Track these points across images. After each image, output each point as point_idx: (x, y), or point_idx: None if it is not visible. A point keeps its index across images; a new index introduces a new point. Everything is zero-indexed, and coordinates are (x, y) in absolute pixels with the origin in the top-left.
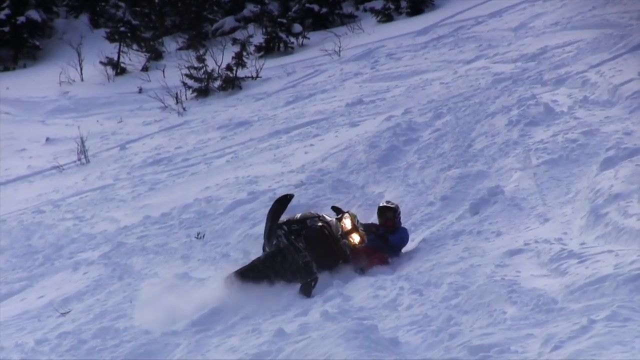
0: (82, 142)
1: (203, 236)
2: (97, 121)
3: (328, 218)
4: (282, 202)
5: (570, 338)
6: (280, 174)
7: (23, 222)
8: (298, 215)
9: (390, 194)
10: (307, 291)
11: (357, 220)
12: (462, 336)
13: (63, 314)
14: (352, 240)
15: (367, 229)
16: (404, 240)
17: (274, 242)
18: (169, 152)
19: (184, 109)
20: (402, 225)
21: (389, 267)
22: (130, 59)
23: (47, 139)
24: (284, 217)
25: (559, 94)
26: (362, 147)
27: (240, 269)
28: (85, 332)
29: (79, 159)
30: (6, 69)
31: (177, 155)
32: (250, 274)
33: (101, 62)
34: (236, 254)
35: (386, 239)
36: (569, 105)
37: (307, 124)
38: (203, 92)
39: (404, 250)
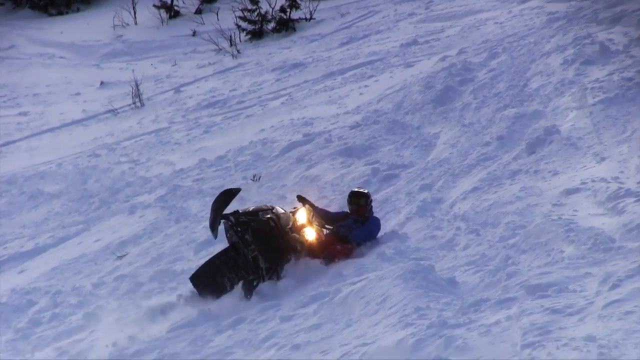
0: (137, 86)
1: (259, 178)
2: (152, 64)
3: (280, 211)
4: (228, 194)
5: (629, 277)
6: (335, 116)
7: (79, 166)
8: (251, 208)
9: (446, 135)
10: (248, 290)
11: (312, 215)
12: (519, 275)
13: (120, 257)
14: (305, 236)
15: (336, 218)
16: (371, 234)
17: (227, 234)
18: (223, 94)
19: (238, 51)
20: (374, 215)
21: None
22: (183, 2)
23: (102, 83)
24: (237, 208)
25: (614, 32)
26: (417, 87)
27: (197, 270)
28: (142, 275)
29: (134, 103)
30: (60, 14)
31: (232, 98)
32: (207, 271)
33: (155, 6)
34: (292, 195)
35: (347, 240)
36: (625, 44)
37: (361, 65)
38: (257, 35)
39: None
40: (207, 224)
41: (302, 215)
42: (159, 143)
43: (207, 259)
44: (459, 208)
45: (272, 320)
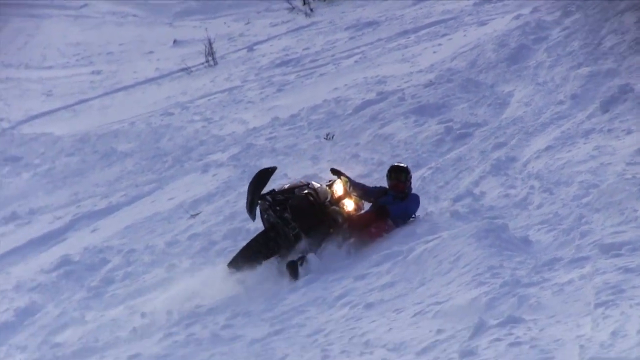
0: (210, 44)
1: (332, 137)
2: (225, 23)
3: (317, 185)
4: (263, 174)
5: None
6: (408, 74)
7: (152, 125)
8: (286, 185)
9: (519, 93)
10: (293, 271)
11: (350, 186)
12: (593, 234)
13: (193, 216)
14: (344, 207)
15: (374, 193)
16: (410, 209)
17: (264, 216)
18: (296, 53)
19: (311, 10)
20: (413, 192)
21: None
22: None
23: (175, 41)
24: (272, 187)
25: None
26: (491, 46)
27: (236, 254)
28: (215, 233)
29: (207, 61)
30: None
31: (305, 57)
32: (246, 254)
33: None
34: (366, 154)
35: (386, 212)
36: None
37: (435, 23)
38: None
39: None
40: (244, 206)
41: (339, 187)
42: (232, 101)
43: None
44: (533, 167)
45: (345, 278)
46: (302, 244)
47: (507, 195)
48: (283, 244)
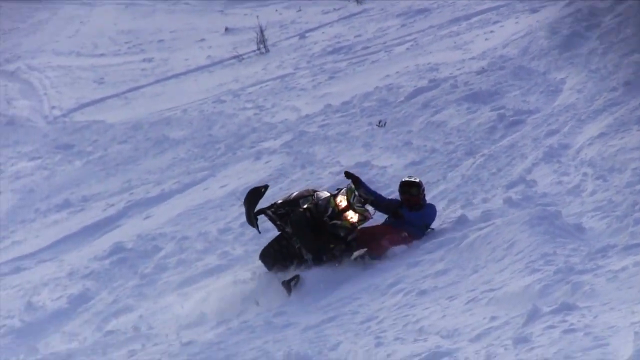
0: (261, 32)
1: (385, 124)
2: (276, 10)
3: (322, 195)
4: (255, 193)
5: None
6: (461, 61)
7: (204, 112)
8: (293, 195)
9: (572, 80)
10: (287, 288)
11: (354, 196)
12: None
13: None
14: (349, 219)
15: (388, 203)
16: (426, 217)
17: (275, 224)
18: (348, 40)
19: None
20: (428, 202)
21: (410, 245)
22: None
23: (226, 29)
24: (279, 199)
25: None
26: (543, 33)
27: (261, 251)
28: (268, 221)
29: (259, 49)
30: None
31: (357, 44)
32: (269, 252)
33: None
34: (418, 141)
35: (400, 215)
36: None
37: (486, 10)
38: None
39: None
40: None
41: (342, 199)
42: (284, 89)
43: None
44: (586, 154)
45: (398, 266)
46: (305, 256)
47: (560, 183)
48: (292, 253)
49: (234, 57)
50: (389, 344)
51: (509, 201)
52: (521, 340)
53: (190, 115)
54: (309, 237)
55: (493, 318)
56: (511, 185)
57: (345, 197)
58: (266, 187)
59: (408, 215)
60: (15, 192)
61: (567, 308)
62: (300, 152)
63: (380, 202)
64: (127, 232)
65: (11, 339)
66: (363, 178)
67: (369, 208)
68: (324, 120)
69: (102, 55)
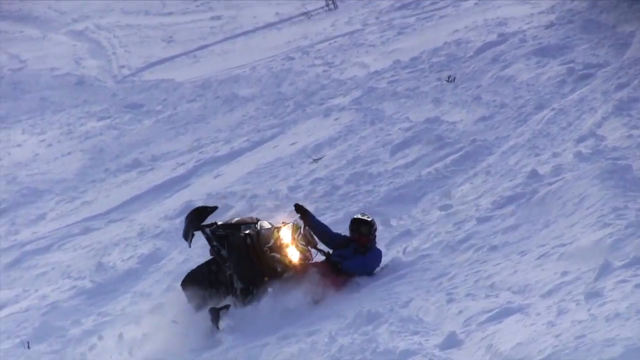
0: None
1: (454, 79)
2: None
3: (265, 225)
4: (201, 212)
5: None
6: (529, 15)
7: (272, 70)
8: (235, 219)
9: None
10: (214, 318)
11: (300, 233)
12: None
13: (315, 160)
14: (287, 256)
15: (336, 240)
16: (369, 264)
17: (211, 245)
18: None
19: None
20: (377, 246)
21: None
22: None
23: None
24: (219, 221)
25: None
26: None
27: (184, 278)
28: (338, 177)
29: (327, 5)
30: None
31: None
32: (197, 276)
33: None
34: (487, 96)
35: (336, 267)
36: None
37: None
38: None
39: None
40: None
41: (286, 234)
42: (353, 45)
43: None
44: None
45: (469, 221)
46: (233, 285)
47: (630, 136)
48: (222, 280)
49: (303, 14)
50: (460, 300)
51: (579, 155)
52: (593, 295)
53: (259, 73)
54: (245, 264)
55: (564, 273)
56: (581, 140)
57: (290, 233)
58: (214, 208)
59: (348, 267)
60: (85, 152)
61: (638, 262)
62: (369, 109)
63: (330, 239)
64: (197, 190)
65: (82, 300)
66: (432, 134)
67: (313, 249)
68: (393, 76)
69: (170, 13)
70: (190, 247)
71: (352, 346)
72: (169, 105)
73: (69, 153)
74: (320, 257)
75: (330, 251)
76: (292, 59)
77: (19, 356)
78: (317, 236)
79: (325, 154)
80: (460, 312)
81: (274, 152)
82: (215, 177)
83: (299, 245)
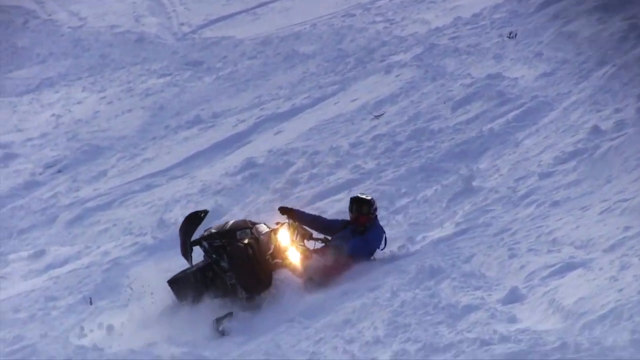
0: None
1: (515, 35)
2: None
3: (264, 229)
4: (193, 219)
5: None
6: None
7: (333, 26)
8: (229, 224)
9: None
10: (219, 326)
11: (297, 233)
12: None
13: (376, 117)
14: (288, 259)
15: (332, 226)
16: (370, 243)
17: (203, 257)
18: None
19: None
20: (379, 222)
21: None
22: None
23: None
24: (212, 228)
25: None
26: None
27: (173, 276)
28: (399, 134)
29: None
30: None
31: None
32: (181, 284)
33: None
34: (549, 52)
35: (340, 250)
36: None
37: None
38: None
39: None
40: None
41: (284, 235)
42: (414, 2)
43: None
44: None
45: (531, 176)
46: (237, 293)
47: None
48: (220, 287)
49: None
50: (523, 255)
51: None
52: None
53: (320, 30)
54: (251, 275)
55: (627, 228)
56: None
57: (288, 235)
58: (205, 212)
59: (349, 250)
60: (145, 110)
61: None
62: (430, 65)
63: (326, 228)
64: (258, 147)
65: (143, 257)
66: (493, 90)
67: (311, 241)
68: (454, 33)
69: None
70: (191, 264)
71: (414, 301)
72: (229, 63)
73: (130, 110)
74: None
75: (329, 238)
76: (352, 15)
77: (81, 312)
78: (312, 227)
79: (386, 111)
80: (522, 267)
81: (334, 108)
82: (276, 133)
83: (298, 245)
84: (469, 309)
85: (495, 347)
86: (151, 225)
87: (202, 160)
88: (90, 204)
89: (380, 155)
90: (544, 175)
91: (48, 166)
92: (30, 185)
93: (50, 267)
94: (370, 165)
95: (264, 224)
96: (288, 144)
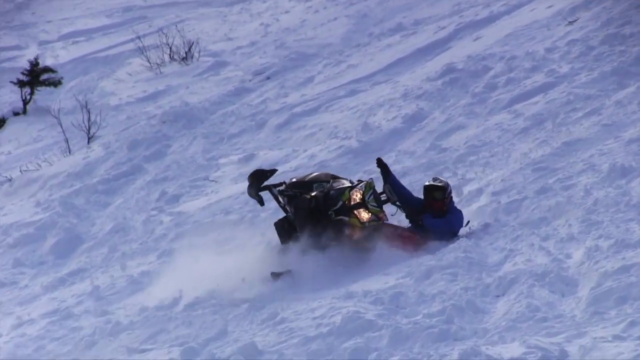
0: None
1: None
2: None
3: (338, 185)
4: (260, 176)
5: None
6: None
7: None
8: (310, 176)
9: None
10: (275, 277)
11: (371, 193)
12: None
13: (571, 22)
14: (359, 216)
15: (413, 203)
16: (450, 224)
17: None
18: None
19: None
20: (455, 206)
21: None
22: None
23: None
24: (294, 178)
25: None
26: None
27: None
28: (593, 39)
29: None
30: None
31: None
32: (283, 228)
33: None
34: None
35: (420, 224)
36: None
37: None
38: None
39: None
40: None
41: (357, 193)
42: None
43: None
44: None
45: None
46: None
47: None
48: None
49: None
50: None
51: None
52: None
53: None
54: (307, 229)
55: None
56: None
57: (362, 193)
58: (273, 171)
59: (430, 224)
60: (349, 18)
61: None
62: None
63: (407, 201)
64: (457, 53)
65: (348, 159)
66: None
67: (386, 209)
68: None
69: None
70: (262, 204)
71: (607, 199)
72: None
73: (335, 19)
74: (399, 215)
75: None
76: None
77: None
78: (394, 191)
79: (580, 16)
80: None
81: (531, 15)
82: (475, 39)
83: (371, 205)
84: None
85: None
86: (356, 129)
87: (403, 66)
88: (297, 109)
89: (574, 60)
90: None
91: (257, 73)
92: (240, 91)
93: None
94: (565, 69)
95: (349, 179)
96: (486, 49)
